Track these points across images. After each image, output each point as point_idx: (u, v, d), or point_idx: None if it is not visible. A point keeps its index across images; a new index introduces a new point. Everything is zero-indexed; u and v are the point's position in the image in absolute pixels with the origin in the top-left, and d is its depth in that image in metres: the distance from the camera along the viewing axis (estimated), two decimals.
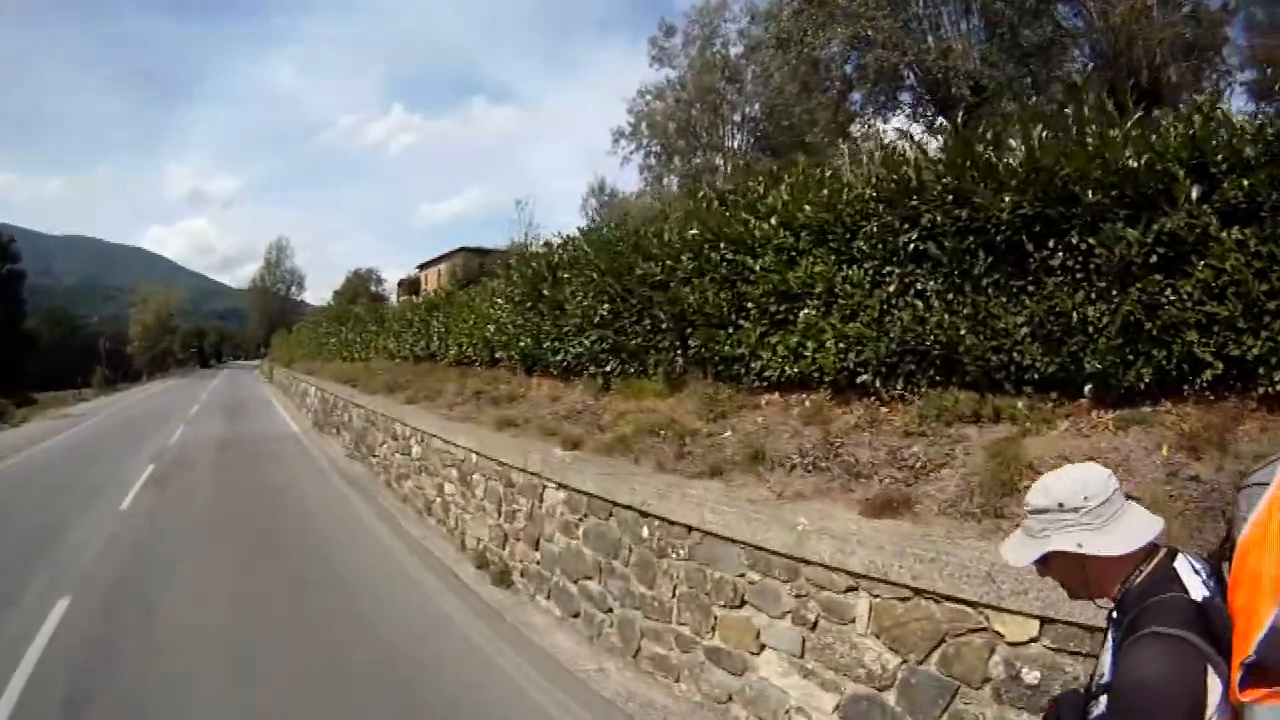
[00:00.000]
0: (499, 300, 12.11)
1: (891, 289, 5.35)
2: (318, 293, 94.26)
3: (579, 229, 10.83)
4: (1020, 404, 4.67)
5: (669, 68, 34.80)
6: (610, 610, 5.89)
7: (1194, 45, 18.84)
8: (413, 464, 11.04)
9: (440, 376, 14.06)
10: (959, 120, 5.82)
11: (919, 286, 5.21)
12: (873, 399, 5.52)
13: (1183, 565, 1.72)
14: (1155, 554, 1.75)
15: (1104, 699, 1.68)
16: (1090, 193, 4.23)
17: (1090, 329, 4.28)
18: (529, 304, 10.76)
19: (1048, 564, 1.82)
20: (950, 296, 4.98)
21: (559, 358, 9.86)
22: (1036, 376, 4.62)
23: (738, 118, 34.53)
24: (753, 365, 6.47)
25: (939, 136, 8.01)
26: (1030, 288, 4.58)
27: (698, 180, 32.77)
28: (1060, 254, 4.42)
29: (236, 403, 32.13)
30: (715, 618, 4.81)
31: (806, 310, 5.86)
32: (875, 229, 5.43)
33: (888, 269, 5.40)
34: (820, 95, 24.76)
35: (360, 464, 14.67)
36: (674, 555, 5.16)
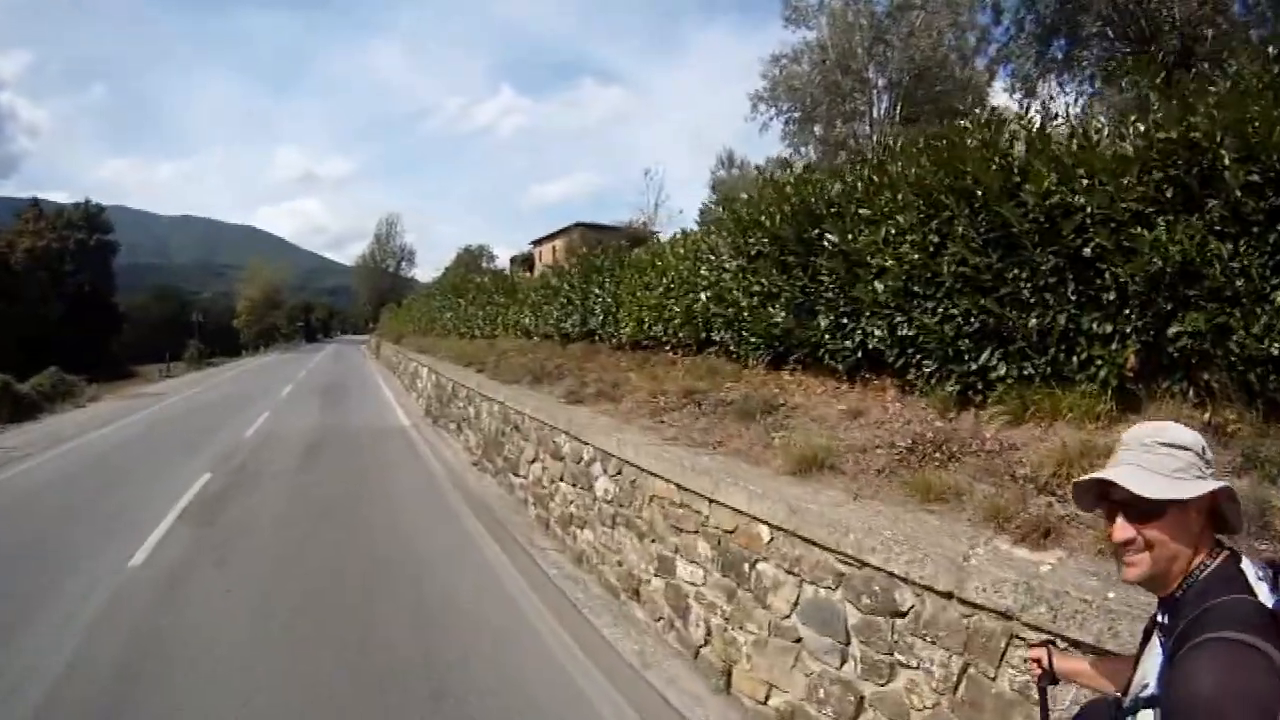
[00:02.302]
0: (718, 254, 7.99)
1: None
2: (426, 271, 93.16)
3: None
4: None
5: (805, 28, 31.50)
6: None
7: None
8: (599, 506, 6.97)
9: (608, 364, 10.08)
10: None
11: None
12: None
13: (1248, 568, 1.49)
14: (1218, 552, 1.53)
15: (1149, 713, 1.43)
16: None
17: None
18: (785, 257, 6.65)
19: (1163, 515, 1.50)
20: None
21: (847, 343, 5.99)
22: None
23: (882, 83, 31.29)
24: None
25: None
26: None
27: (841, 149, 30.42)
28: None
29: (337, 383, 28.83)
30: None
31: None
32: None
33: None
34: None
35: (493, 481, 10.78)
36: None
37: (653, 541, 5.82)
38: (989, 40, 24.92)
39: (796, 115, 33.05)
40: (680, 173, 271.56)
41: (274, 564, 7.42)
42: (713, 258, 8.17)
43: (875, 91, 31.56)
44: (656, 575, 5.77)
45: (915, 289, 5.22)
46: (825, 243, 6.10)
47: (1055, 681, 2.16)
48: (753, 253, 7.33)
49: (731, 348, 7.73)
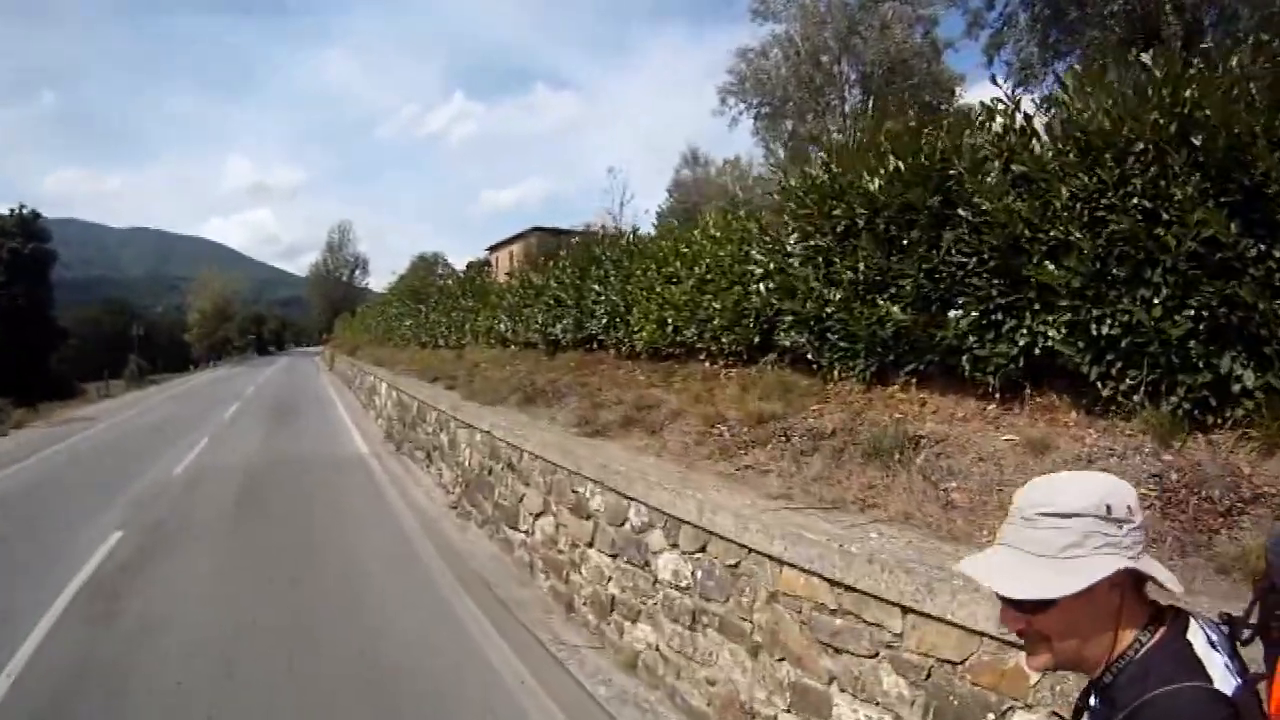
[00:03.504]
0: (776, 233, 6.00)
1: None
2: (380, 280, 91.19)
3: None
4: None
5: (773, 21, 30.90)
6: None
7: None
8: (666, 594, 4.80)
9: (619, 378, 8.02)
10: None
11: None
12: None
13: (1198, 638, 1.19)
14: (1160, 618, 1.22)
15: None
16: None
17: None
18: (900, 233, 4.74)
19: (1054, 604, 1.18)
20: None
21: (1002, 347, 4.14)
22: None
23: (854, 76, 30.75)
24: None
25: None
26: None
27: (813, 143, 28.80)
28: None
29: (287, 401, 26.08)
30: None
31: None
32: None
33: None
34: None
35: (481, 533, 8.53)
36: None
37: (780, 660, 3.70)
38: (983, 25, 23.53)
39: (766, 110, 32.20)
40: (638, 172, 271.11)
41: (185, 698, 5.02)
42: (768, 239, 6.13)
43: (847, 86, 30.74)
44: (792, 713, 3.64)
45: (1115, 272, 3.49)
46: (964, 212, 4.11)
47: None
48: (838, 228, 5.30)
49: (809, 355, 5.66)
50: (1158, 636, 1.19)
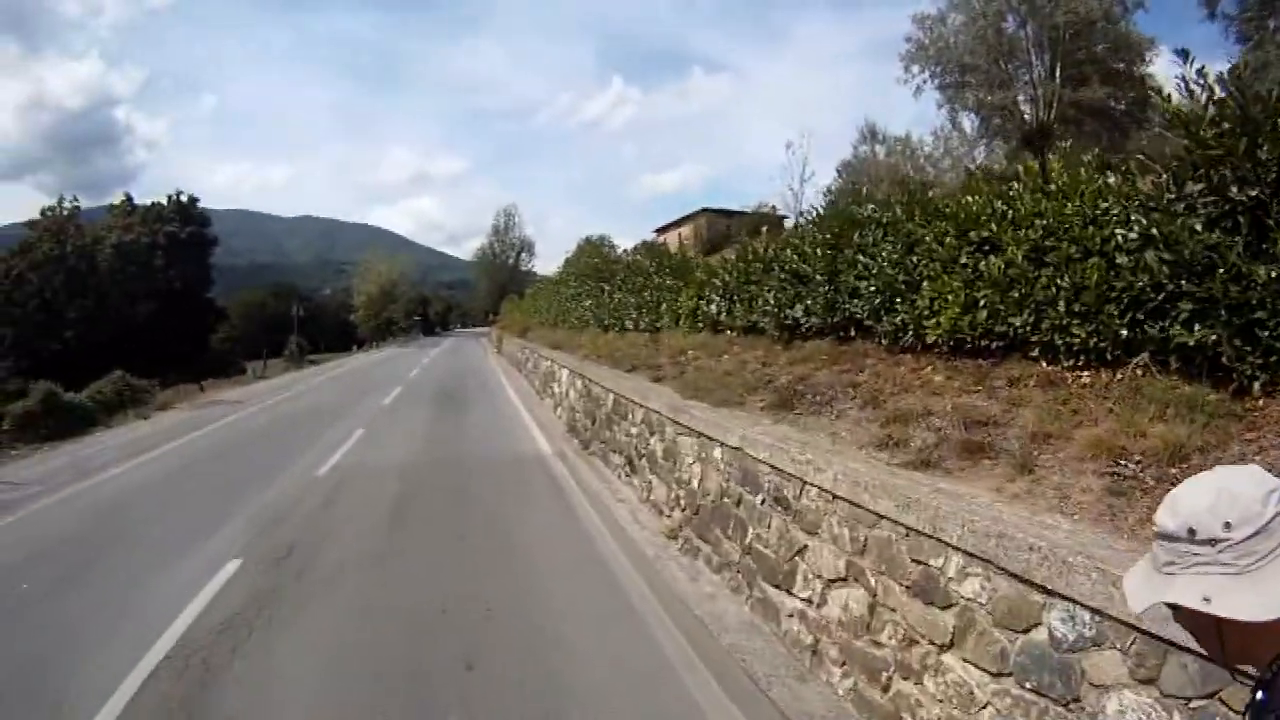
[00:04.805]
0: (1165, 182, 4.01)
1: None
2: (544, 263, 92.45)
3: None
4: None
5: None
6: None
7: None
8: None
9: (907, 380, 6.10)
10: None
11: None
12: None
13: None
14: None
15: None
16: None
17: None
18: None
19: (1176, 608, 1.22)
20: None
21: None
22: None
23: (1040, 41, 28.64)
24: None
25: None
26: None
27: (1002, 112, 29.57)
28: None
29: (453, 386, 24.82)
30: None
31: None
32: None
33: None
34: None
35: (718, 581, 6.53)
36: None
37: None
38: None
39: (951, 79, 30.85)
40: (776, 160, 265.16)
41: None
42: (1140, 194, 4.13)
43: (1032, 51, 28.92)
44: None
45: None
46: None
47: None
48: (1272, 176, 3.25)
49: (1224, 358, 3.64)
50: None
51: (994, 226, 5.67)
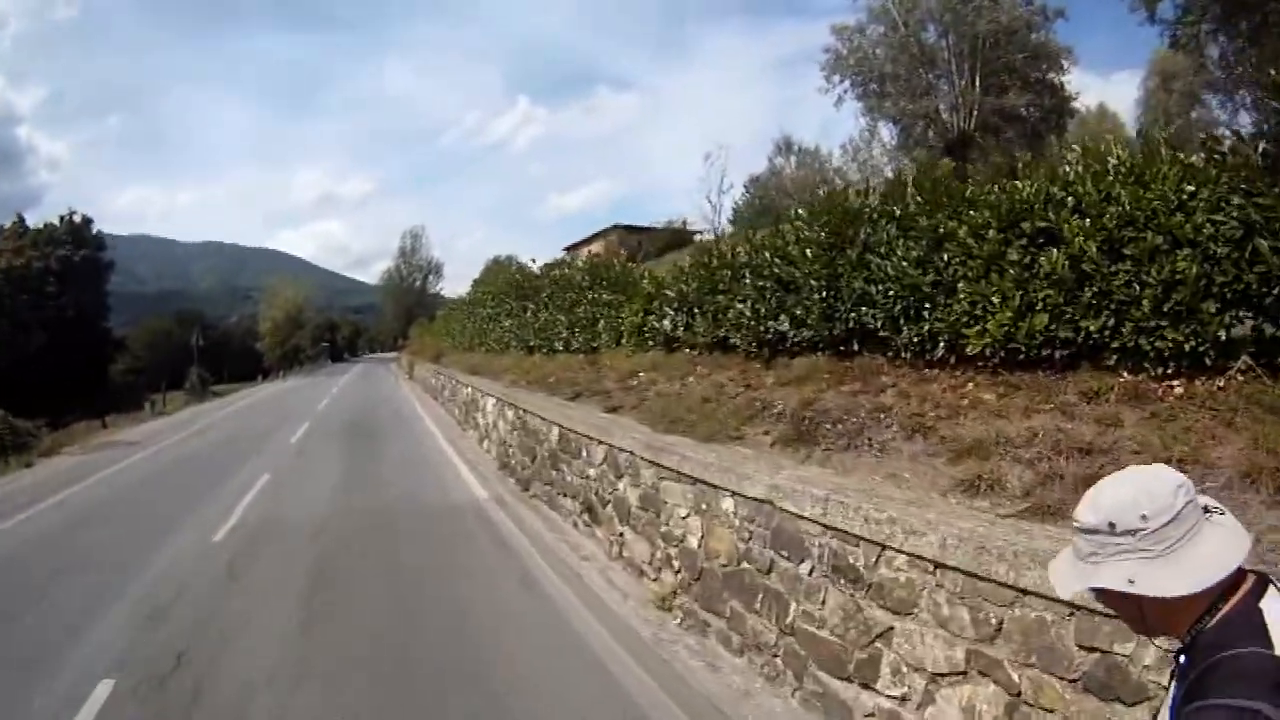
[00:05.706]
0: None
1: None
2: (453, 285, 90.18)
3: None
4: None
5: None
6: None
7: None
8: None
9: (949, 401, 4.91)
10: None
11: None
12: None
13: (1272, 607, 1.26)
14: (1241, 584, 1.31)
15: None
16: None
17: None
18: None
19: (1101, 591, 1.38)
20: None
21: None
22: None
23: (959, 51, 29.12)
24: None
25: None
26: None
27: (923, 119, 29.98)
28: None
29: (368, 418, 22.79)
30: None
31: None
32: None
33: None
34: None
35: (745, 668, 5.10)
36: None
37: None
38: None
39: (873, 87, 31.07)
40: (685, 177, 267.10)
41: None
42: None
43: (953, 60, 29.38)
44: None
45: None
46: None
47: None
48: None
49: None
50: (1231, 604, 1.28)
51: (1053, 215, 4.53)
